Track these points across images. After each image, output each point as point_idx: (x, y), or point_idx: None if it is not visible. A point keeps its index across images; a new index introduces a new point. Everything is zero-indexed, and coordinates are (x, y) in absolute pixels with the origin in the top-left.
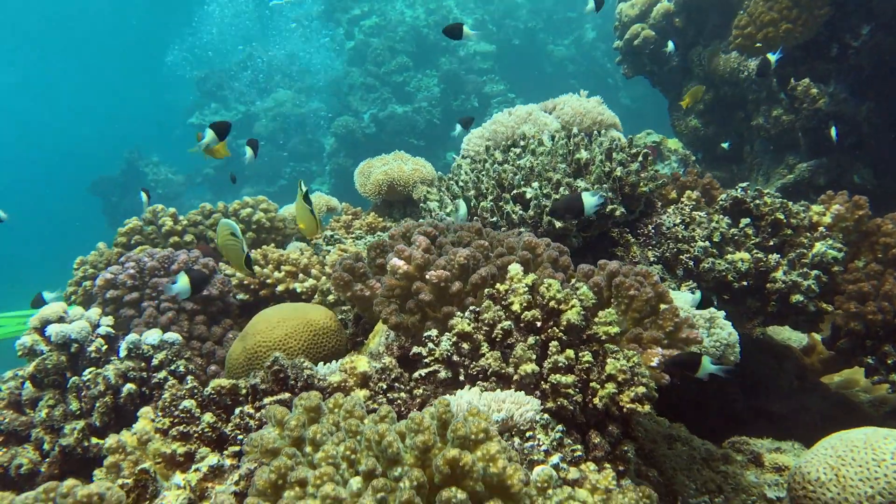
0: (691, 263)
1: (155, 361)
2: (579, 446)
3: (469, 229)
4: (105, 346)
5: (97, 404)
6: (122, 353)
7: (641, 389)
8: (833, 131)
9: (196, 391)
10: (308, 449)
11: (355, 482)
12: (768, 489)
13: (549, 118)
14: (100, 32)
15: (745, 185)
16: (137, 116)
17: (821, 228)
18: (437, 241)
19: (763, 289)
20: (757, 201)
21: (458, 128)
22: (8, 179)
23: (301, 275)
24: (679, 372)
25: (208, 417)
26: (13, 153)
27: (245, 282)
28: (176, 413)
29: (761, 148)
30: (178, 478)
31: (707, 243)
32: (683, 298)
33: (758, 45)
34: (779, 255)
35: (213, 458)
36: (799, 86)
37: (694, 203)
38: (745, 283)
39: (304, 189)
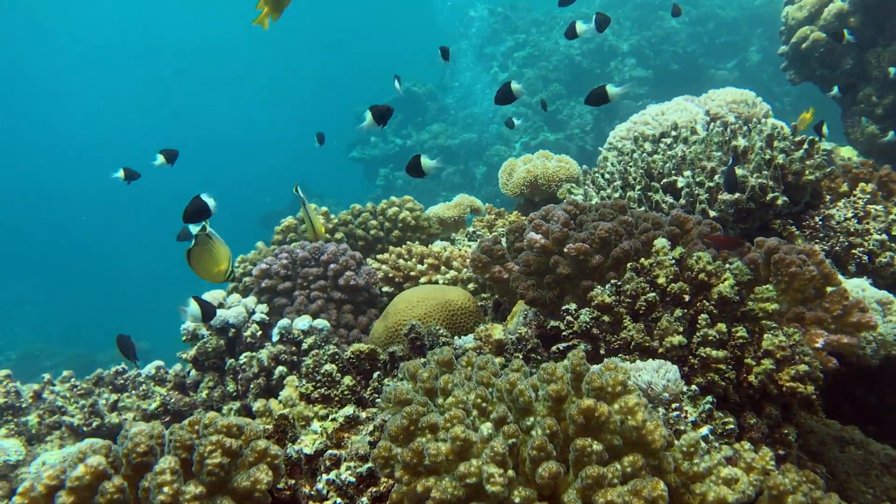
0: (865, 258)
1: (304, 346)
2: (732, 419)
3: (612, 206)
4: (259, 332)
5: (251, 386)
6: (275, 338)
7: (803, 367)
8: None
9: (337, 356)
10: (440, 400)
11: (486, 428)
12: None
13: (700, 109)
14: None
15: None
16: (305, 152)
17: None
18: (578, 218)
19: None
20: None
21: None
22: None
23: (443, 267)
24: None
25: (347, 380)
26: (196, 187)
27: (391, 275)
28: (318, 378)
29: None
30: (316, 424)
31: (884, 236)
32: (856, 285)
33: None
34: None
35: (349, 409)
36: None
37: (868, 196)
38: None
39: (303, 196)
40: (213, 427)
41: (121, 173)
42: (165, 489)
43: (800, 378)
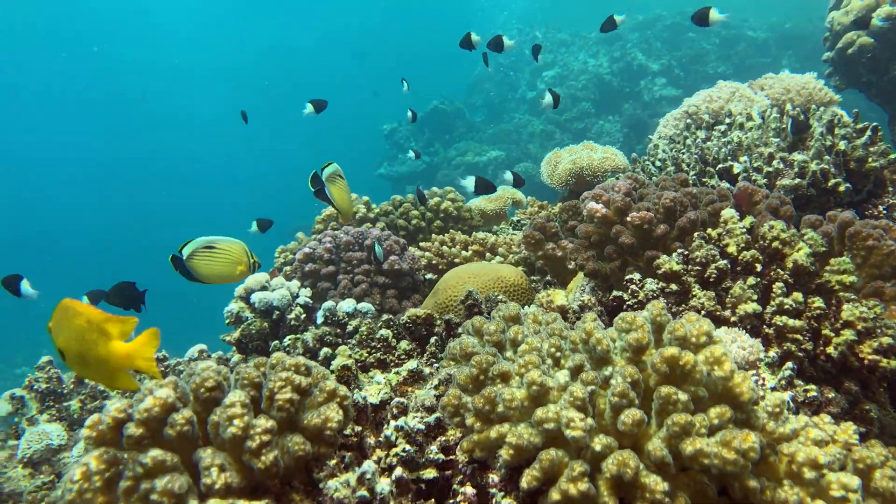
0: None
1: (349, 328)
2: (814, 386)
3: (674, 179)
4: (304, 315)
5: None
6: (319, 320)
7: (887, 340)
8: None
9: (392, 322)
10: (508, 353)
11: (562, 375)
12: None
13: (756, 95)
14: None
15: None
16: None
17: None
18: (639, 192)
19: None
20: None
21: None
22: (230, 225)
23: (488, 254)
24: None
25: (404, 345)
26: (235, 201)
27: (434, 261)
28: (373, 344)
29: None
30: (380, 376)
31: None
32: None
33: None
34: None
35: (412, 363)
36: None
37: None
38: None
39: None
40: (282, 365)
41: (309, 107)
42: (236, 422)
43: (882, 351)
